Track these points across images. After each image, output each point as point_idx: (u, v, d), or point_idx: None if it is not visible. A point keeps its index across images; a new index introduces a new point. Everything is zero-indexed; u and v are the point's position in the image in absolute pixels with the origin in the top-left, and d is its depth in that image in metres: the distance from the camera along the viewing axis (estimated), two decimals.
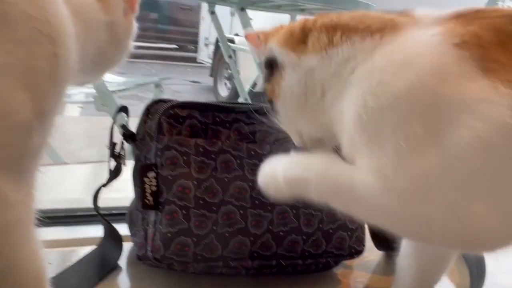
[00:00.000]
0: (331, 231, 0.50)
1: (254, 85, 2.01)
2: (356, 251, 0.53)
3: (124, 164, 0.54)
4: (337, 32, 0.35)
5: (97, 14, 0.41)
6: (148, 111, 0.51)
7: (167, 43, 8.20)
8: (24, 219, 0.32)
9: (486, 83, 0.28)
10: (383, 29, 0.34)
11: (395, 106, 0.30)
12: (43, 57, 0.31)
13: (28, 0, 0.31)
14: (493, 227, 0.29)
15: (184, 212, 0.46)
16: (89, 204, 0.55)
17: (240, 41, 4.34)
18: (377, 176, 0.31)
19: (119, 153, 0.53)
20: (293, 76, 0.38)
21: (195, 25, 6.89)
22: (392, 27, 0.34)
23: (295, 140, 0.41)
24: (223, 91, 4.75)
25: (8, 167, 0.30)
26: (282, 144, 0.44)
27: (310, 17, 0.40)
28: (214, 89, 5.01)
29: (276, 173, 0.37)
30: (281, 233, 0.48)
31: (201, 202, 0.46)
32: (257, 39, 0.42)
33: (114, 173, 0.53)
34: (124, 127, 0.53)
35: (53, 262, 0.51)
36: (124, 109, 0.54)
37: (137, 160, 0.52)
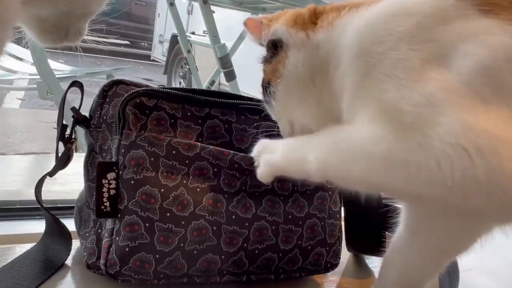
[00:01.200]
0: (309, 247, 0.46)
1: (212, 82, 1.95)
2: (332, 265, 0.48)
3: (75, 150, 0.47)
4: (346, 7, 0.36)
5: None
6: (105, 94, 0.44)
7: (119, 39, 7.90)
8: None
9: (488, 21, 0.30)
10: None
11: (397, 46, 0.31)
12: None
13: None
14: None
15: (147, 225, 0.39)
16: (29, 197, 0.47)
17: (196, 40, 4.27)
18: (383, 118, 0.30)
19: (69, 137, 0.46)
20: (299, 54, 0.37)
21: (150, 21, 6.72)
22: None
23: (285, 130, 0.40)
24: None
25: None
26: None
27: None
28: None
29: (274, 156, 0.35)
30: (256, 251, 0.43)
31: (168, 214, 0.40)
32: (259, 24, 0.42)
33: (63, 161, 0.45)
34: (74, 110, 0.45)
35: None
36: (77, 85, 0.46)
37: (90, 149, 0.45)
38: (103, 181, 0.40)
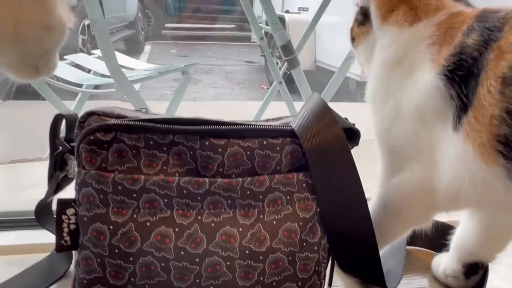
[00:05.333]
0: (274, 283, 0.43)
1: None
2: None
3: (70, 174, 0.50)
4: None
5: None
6: (82, 125, 0.45)
7: (226, 23, 8.21)
8: None
9: None
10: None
11: None
12: None
13: None
14: None
15: (98, 260, 0.41)
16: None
17: (291, 18, 4.19)
18: None
19: (60, 164, 0.49)
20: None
21: (253, 4, 6.83)
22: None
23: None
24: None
25: None
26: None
27: None
28: (266, 69, 4.96)
29: None
30: (212, 287, 0.41)
31: (117, 251, 0.40)
32: None
33: (53, 187, 0.49)
34: (59, 142, 0.48)
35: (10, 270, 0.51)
36: (62, 117, 0.48)
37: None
38: (63, 217, 0.42)
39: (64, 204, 0.42)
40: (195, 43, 7.28)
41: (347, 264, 0.47)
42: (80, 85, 1.67)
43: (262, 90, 4.60)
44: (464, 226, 0.52)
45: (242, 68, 5.67)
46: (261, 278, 0.42)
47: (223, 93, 4.38)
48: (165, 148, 0.43)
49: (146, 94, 3.60)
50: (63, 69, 1.68)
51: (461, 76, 0.40)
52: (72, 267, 0.51)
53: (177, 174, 0.43)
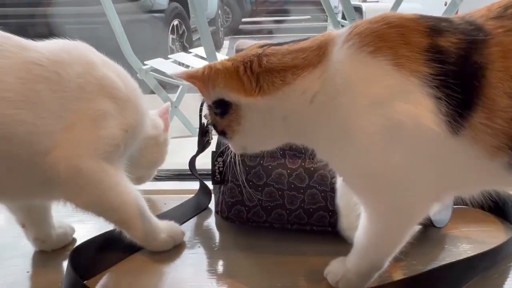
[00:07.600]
0: (311, 210, 0.63)
1: None
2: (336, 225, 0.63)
3: (210, 139, 0.74)
4: (287, 73, 0.44)
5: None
6: None
7: (301, 15, 8.35)
8: (125, 184, 0.57)
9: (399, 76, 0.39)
10: (317, 56, 0.44)
11: None
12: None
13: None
14: None
15: (239, 189, 0.64)
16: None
17: (368, 8, 4.21)
18: None
19: (206, 131, 0.72)
20: (253, 114, 0.46)
21: None
22: (319, 51, 0.44)
23: (238, 150, 0.53)
24: None
25: (111, 160, 0.55)
26: None
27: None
28: None
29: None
30: (311, 210, 0.63)
31: (250, 183, 0.64)
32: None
33: (200, 147, 0.73)
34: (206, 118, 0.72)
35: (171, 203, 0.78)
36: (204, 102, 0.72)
37: (218, 141, 0.71)
38: (216, 163, 0.66)
39: (216, 154, 0.67)
40: (271, 36, 7.51)
41: None
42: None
43: None
44: None
45: None
46: (302, 205, 0.62)
47: None
48: None
49: None
50: (167, 66, 2.00)
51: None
52: (211, 203, 0.75)
53: None
